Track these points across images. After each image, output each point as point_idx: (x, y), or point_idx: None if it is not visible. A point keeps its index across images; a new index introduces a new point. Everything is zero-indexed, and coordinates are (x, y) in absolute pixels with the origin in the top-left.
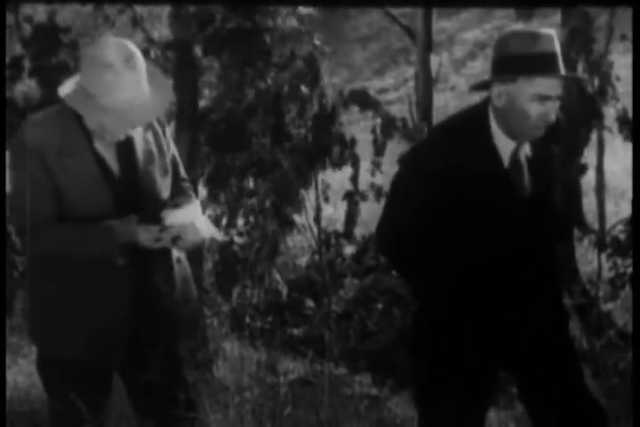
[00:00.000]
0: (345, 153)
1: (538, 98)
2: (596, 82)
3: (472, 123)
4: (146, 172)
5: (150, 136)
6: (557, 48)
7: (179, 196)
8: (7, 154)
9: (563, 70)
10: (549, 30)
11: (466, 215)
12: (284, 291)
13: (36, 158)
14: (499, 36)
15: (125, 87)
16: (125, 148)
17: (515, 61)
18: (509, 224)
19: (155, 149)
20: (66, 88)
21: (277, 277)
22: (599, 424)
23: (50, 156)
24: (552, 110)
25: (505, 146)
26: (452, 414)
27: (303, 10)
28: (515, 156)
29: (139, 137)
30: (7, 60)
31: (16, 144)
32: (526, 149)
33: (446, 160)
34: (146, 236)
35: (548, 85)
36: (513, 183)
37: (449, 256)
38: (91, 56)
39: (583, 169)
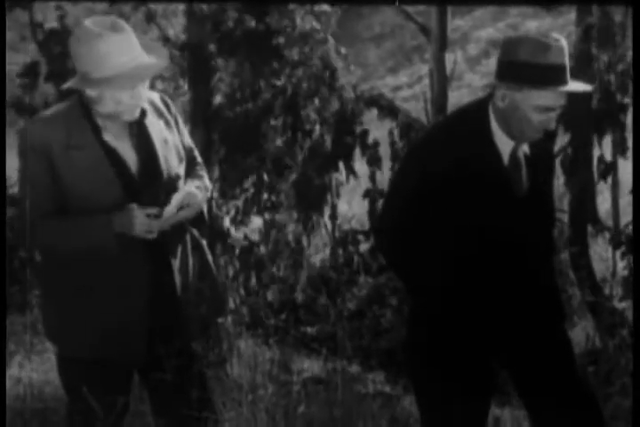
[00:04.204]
0: (365, 152)
1: (541, 108)
2: (614, 79)
3: (472, 120)
4: (164, 159)
5: (162, 124)
6: (567, 59)
7: (191, 178)
8: (16, 154)
9: (569, 81)
10: (561, 40)
11: (463, 212)
12: (299, 289)
13: (40, 155)
14: (508, 38)
15: (118, 51)
16: (142, 137)
17: (523, 70)
18: (507, 222)
19: (169, 137)
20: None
21: (292, 274)
22: (592, 411)
23: (56, 151)
24: (553, 118)
25: (504, 144)
26: (453, 411)
27: (320, 8)
28: (514, 154)
29: (153, 126)
30: (22, 66)
31: (21, 142)
32: (524, 148)
33: (446, 157)
34: (140, 227)
35: (553, 97)
36: (512, 181)
37: (446, 253)
38: (77, 36)
39: (609, 170)
